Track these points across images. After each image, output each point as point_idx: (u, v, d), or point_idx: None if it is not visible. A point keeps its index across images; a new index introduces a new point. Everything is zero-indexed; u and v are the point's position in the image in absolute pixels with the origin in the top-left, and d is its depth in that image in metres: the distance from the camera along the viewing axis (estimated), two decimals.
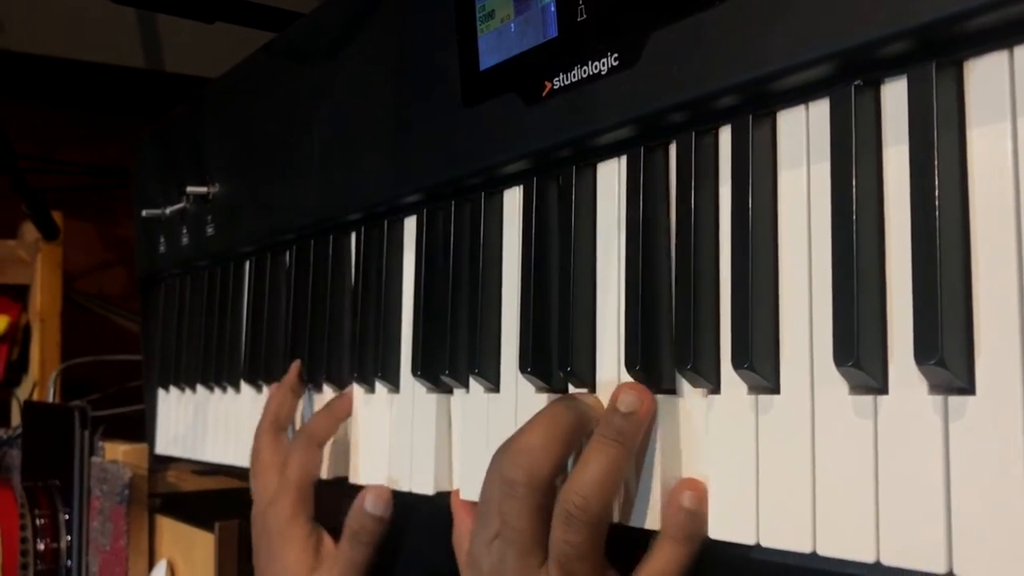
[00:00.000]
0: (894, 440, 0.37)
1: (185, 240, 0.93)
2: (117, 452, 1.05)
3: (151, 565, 1.05)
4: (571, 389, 0.52)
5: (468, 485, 0.59)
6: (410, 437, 0.64)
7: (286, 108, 0.77)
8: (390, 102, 0.65)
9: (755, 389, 0.43)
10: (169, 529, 1.03)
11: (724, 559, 0.46)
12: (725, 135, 0.45)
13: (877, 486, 0.38)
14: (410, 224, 0.67)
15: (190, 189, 0.88)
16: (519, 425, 0.54)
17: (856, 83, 0.39)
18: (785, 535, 0.41)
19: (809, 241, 0.41)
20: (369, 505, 0.64)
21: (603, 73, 0.48)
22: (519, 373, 0.55)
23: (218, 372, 0.89)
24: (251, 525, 0.71)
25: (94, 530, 1.08)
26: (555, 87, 0.51)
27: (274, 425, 0.72)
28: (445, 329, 0.60)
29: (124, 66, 1.67)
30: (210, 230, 0.88)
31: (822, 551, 0.39)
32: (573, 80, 0.50)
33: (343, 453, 0.71)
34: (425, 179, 0.62)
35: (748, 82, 0.42)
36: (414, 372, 0.63)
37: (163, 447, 1.01)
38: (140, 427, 1.11)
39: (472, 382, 0.59)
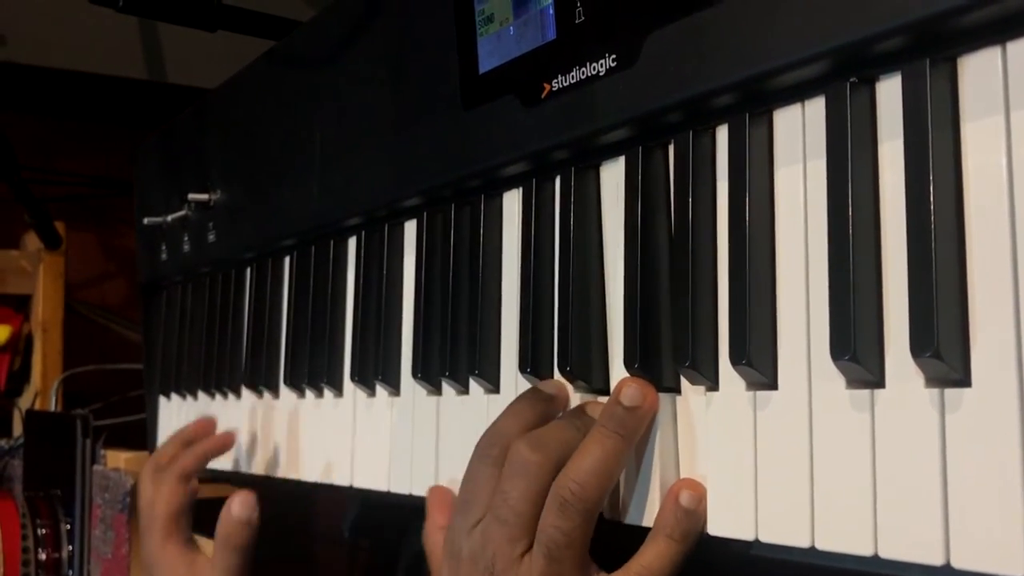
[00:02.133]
0: (891, 433, 0.38)
1: (187, 247, 0.94)
2: (119, 460, 1.05)
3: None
4: (571, 389, 0.52)
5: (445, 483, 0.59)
6: (410, 440, 0.64)
7: (286, 114, 0.77)
8: (390, 107, 0.65)
9: (753, 385, 0.43)
10: None
11: (722, 558, 0.46)
12: (722, 134, 0.46)
13: (875, 479, 0.38)
14: (410, 228, 0.67)
15: (192, 196, 0.88)
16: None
17: (851, 80, 0.40)
18: (784, 530, 0.41)
19: (806, 238, 0.42)
20: (236, 510, 0.68)
21: (601, 74, 0.49)
22: (519, 374, 0.56)
23: (219, 378, 0.89)
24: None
25: (96, 538, 1.08)
26: (554, 89, 0.52)
27: (152, 468, 0.79)
28: (445, 331, 0.60)
29: (126, 77, 1.68)
30: (211, 237, 0.89)
31: (820, 546, 0.40)
32: (572, 81, 0.50)
33: (342, 458, 0.71)
34: (425, 182, 0.62)
35: (744, 81, 0.43)
36: (414, 374, 0.63)
37: None
38: (142, 436, 1.11)
39: (472, 384, 0.59)
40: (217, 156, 0.88)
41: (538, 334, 0.54)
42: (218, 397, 0.90)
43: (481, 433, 0.58)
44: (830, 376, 0.40)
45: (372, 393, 0.69)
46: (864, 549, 0.38)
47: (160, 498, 0.75)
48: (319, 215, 0.73)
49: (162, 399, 1.02)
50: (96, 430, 1.12)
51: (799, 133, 0.43)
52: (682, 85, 0.45)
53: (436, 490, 0.59)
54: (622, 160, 0.51)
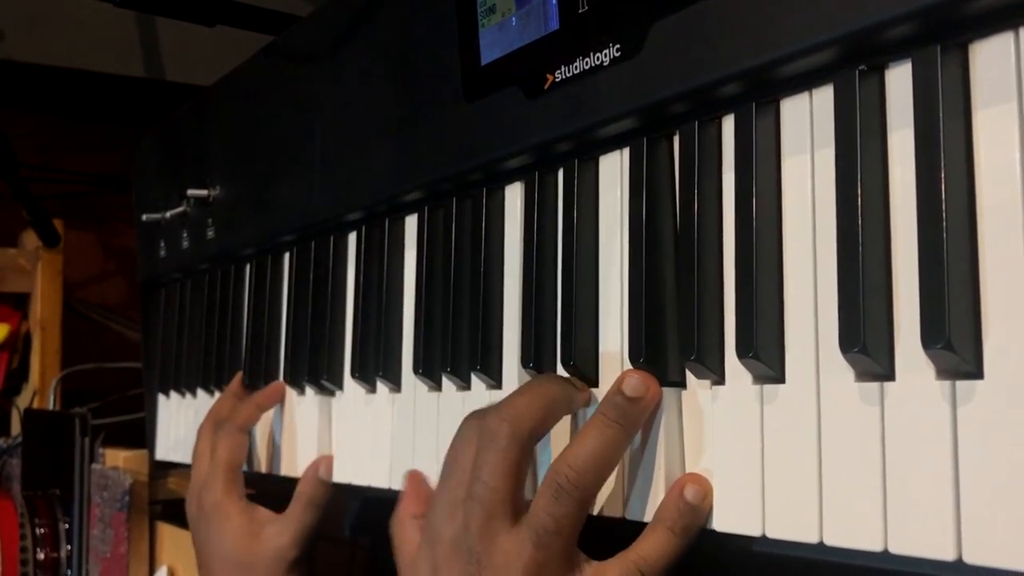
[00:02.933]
0: (901, 426, 0.37)
1: (186, 244, 0.93)
2: (118, 459, 1.04)
3: (152, 572, 1.04)
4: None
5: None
6: (412, 436, 0.63)
7: (286, 109, 0.77)
8: (390, 100, 0.64)
9: (760, 379, 0.42)
10: (170, 536, 1.02)
11: (726, 554, 0.46)
12: (728, 124, 0.45)
13: (884, 473, 0.37)
14: (411, 222, 0.66)
15: (191, 192, 0.88)
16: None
17: (860, 68, 0.39)
18: (791, 526, 0.40)
19: (814, 229, 0.41)
20: (323, 471, 0.69)
21: (605, 64, 0.48)
22: (521, 369, 0.55)
23: (219, 375, 0.88)
24: (186, 506, 0.76)
25: (94, 537, 1.07)
26: (557, 80, 0.51)
27: (212, 422, 0.78)
28: (447, 326, 0.60)
29: (124, 75, 1.67)
30: (210, 233, 0.88)
31: (829, 541, 0.39)
32: (575, 72, 0.50)
33: (343, 454, 0.70)
34: (426, 175, 0.61)
35: (751, 70, 0.42)
36: (415, 370, 0.62)
37: (164, 453, 1.01)
38: (140, 435, 1.10)
39: (474, 379, 0.59)
40: (216, 152, 0.88)
41: (540, 328, 0.53)
42: (217, 395, 0.90)
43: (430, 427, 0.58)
44: (839, 369, 0.39)
45: (373, 389, 0.68)
46: (874, 544, 0.37)
47: (223, 448, 0.74)
48: (319, 210, 0.72)
49: (161, 397, 1.01)
50: (95, 429, 1.11)
51: (807, 122, 0.42)
52: (687, 75, 0.44)
53: (414, 475, 0.58)
54: (626, 151, 0.50)
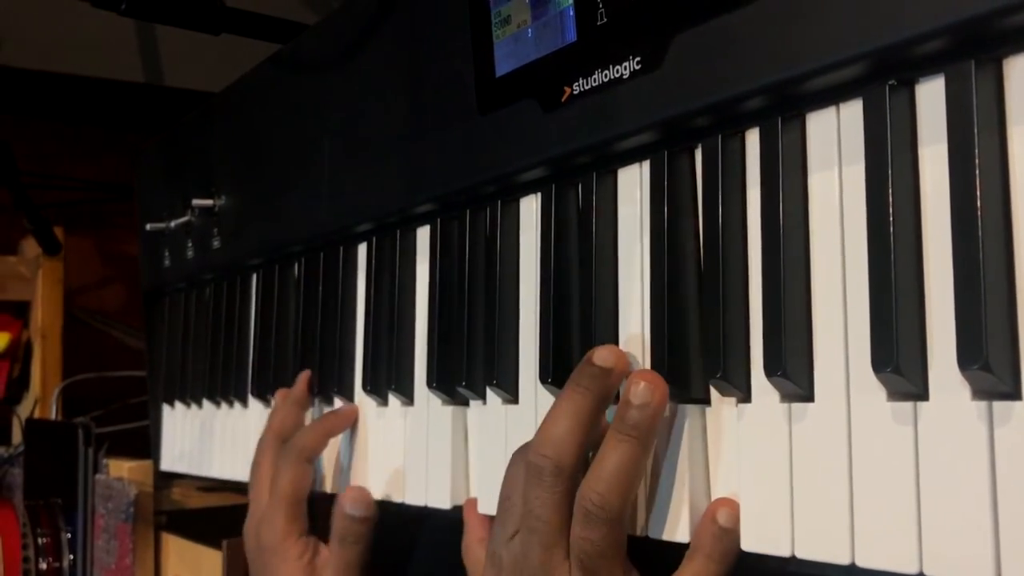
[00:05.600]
0: (936, 447, 0.37)
1: (190, 253, 0.92)
2: (122, 469, 1.03)
3: None
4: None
5: (485, 497, 0.57)
6: (425, 450, 0.63)
7: (294, 118, 0.76)
8: (402, 111, 0.64)
9: (788, 397, 0.42)
10: (175, 547, 1.01)
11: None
12: (752, 138, 0.44)
13: (918, 495, 0.37)
14: (423, 234, 0.66)
15: (196, 202, 0.87)
16: None
17: (890, 83, 0.38)
18: (822, 546, 0.40)
19: (842, 244, 0.41)
20: (348, 507, 0.65)
21: (625, 77, 0.48)
22: (538, 384, 0.54)
23: (225, 387, 0.88)
24: (244, 537, 0.71)
25: (99, 548, 1.06)
26: (575, 92, 0.50)
27: (277, 438, 0.72)
28: (461, 340, 0.59)
29: (124, 81, 1.66)
30: (216, 243, 0.87)
31: (861, 563, 0.38)
32: (594, 85, 0.49)
33: (355, 468, 0.69)
34: (439, 188, 0.61)
35: (777, 84, 0.42)
36: (429, 384, 0.62)
37: (168, 463, 1.00)
38: (143, 444, 1.10)
39: (489, 393, 0.58)
40: (222, 161, 0.87)
41: (559, 342, 0.52)
42: (224, 406, 0.89)
43: (498, 443, 0.57)
44: (870, 388, 0.39)
45: (384, 403, 0.68)
46: (908, 567, 0.37)
47: (285, 480, 0.68)
48: (328, 221, 0.71)
49: (166, 407, 1.01)
50: (98, 439, 1.10)
51: (834, 137, 0.41)
52: (711, 89, 0.44)
53: (472, 502, 0.58)
54: (646, 165, 0.50)
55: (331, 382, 0.72)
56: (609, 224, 0.51)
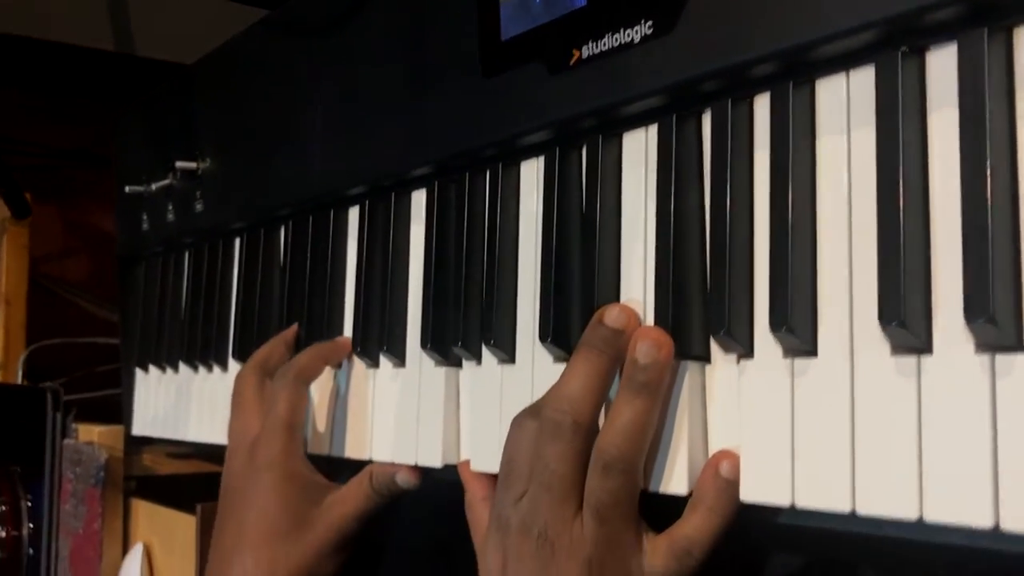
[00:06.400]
0: (939, 399, 0.38)
1: (171, 217, 0.92)
2: (92, 433, 1.03)
3: (125, 548, 1.02)
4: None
5: (479, 456, 0.58)
6: (416, 411, 0.63)
7: (286, 81, 0.76)
8: (400, 74, 0.64)
9: (791, 352, 0.43)
10: (145, 512, 1.01)
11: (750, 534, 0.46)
12: (761, 103, 0.46)
13: (920, 445, 0.38)
14: (418, 197, 0.66)
15: (179, 164, 0.87)
16: (536, 395, 0.54)
17: (902, 50, 0.40)
18: (822, 495, 0.41)
19: (849, 204, 0.42)
20: (401, 480, 0.64)
21: (636, 41, 0.49)
22: (535, 343, 0.55)
23: (204, 350, 0.87)
24: (228, 461, 0.69)
25: (65, 513, 1.05)
26: (584, 56, 0.51)
27: (260, 368, 0.71)
28: (458, 301, 0.60)
29: (94, 48, 1.64)
30: (199, 206, 0.87)
31: (861, 510, 0.40)
32: (603, 48, 0.50)
33: (346, 429, 0.70)
34: (439, 151, 0.61)
35: (789, 50, 0.43)
36: (423, 345, 0.62)
37: (141, 428, 0.99)
38: (109, 412, 1.09)
39: (485, 354, 0.59)
40: (208, 124, 0.87)
41: (560, 302, 0.53)
42: (202, 370, 0.89)
43: (493, 403, 0.58)
44: (874, 342, 0.40)
45: (375, 364, 0.68)
46: (909, 512, 0.38)
47: (283, 401, 0.66)
48: (320, 184, 0.72)
49: (139, 372, 1.00)
50: (66, 405, 1.09)
51: (843, 102, 0.43)
52: (723, 54, 0.45)
53: (467, 463, 0.59)
54: (646, 129, 0.51)
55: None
56: (613, 186, 0.52)
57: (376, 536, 0.69)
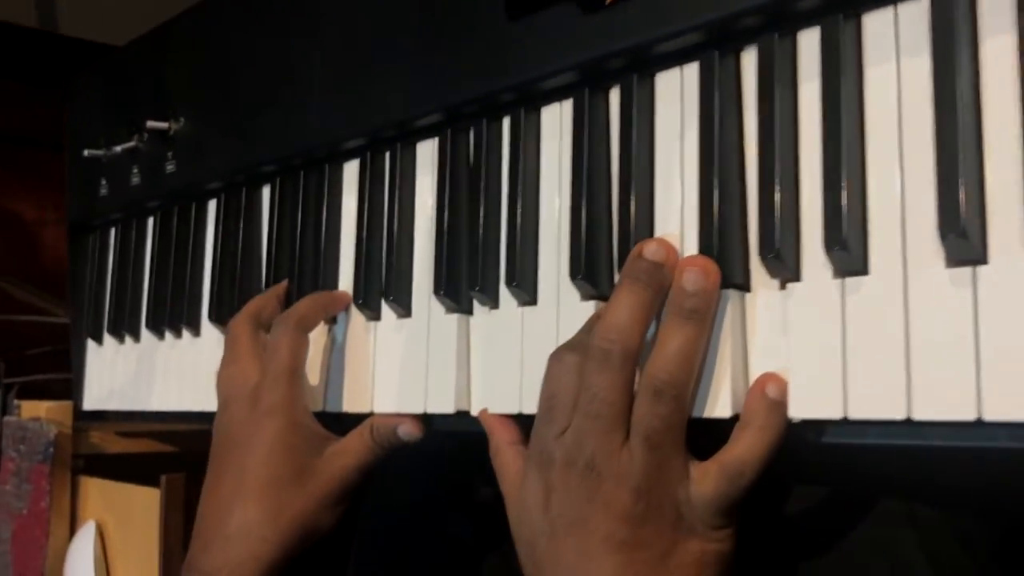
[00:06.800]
0: (995, 306, 0.40)
1: (135, 180, 0.89)
2: (39, 410, 0.99)
3: (73, 527, 0.99)
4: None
5: (497, 400, 0.58)
6: (425, 359, 0.63)
7: (277, 28, 0.75)
8: (406, 16, 0.64)
9: (842, 272, 0.45)
10: (98, 489, 0.98)
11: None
12: (806, 38, 0.48)
13: (977, 349, 0.40)
14: (425, 147, 0.66)
15: (151, 124, 0.84)
16: (561, 335, 0.55)
17: None
18: (877, 405, 0.43)
19: (899, 127, 0.44)
20: (403, 432, 0.64)
21: None
22: (559, 285, 0.56)
23: (173, 316, 0.85)
24: (220, 416, 0.67)
25: (7, 493, 1.01)
26: None
27: (254, 318, 0.70)
28: (476, 248, 0.60)
29: (12, 23, 1.59)
30: (171, 167, 0.85)
31: (918, 416, 0.42)
32: None
33: (343, 383, 0.69)
34: (455, 96, 0.62)
35: None
36: (436, 292, 0.62)
37: (93, 403, 0.96)
38: (45, 394, 1.05)
39: (503, 298, 0.59)
40: (184, 81, 0.85)
41: (592, 239, 0.54)
42: (169, 336, 0.86)
43: (512, 347, 0.58)
44: (927, 256, 0.42)
45: (376, 316, 0.68)
46: (967, 414, 0.40)
47: (285, 347, 0.65)
48: (315, 137, 0.71)
49: (91, 344, 0.97)
50: (6, 385, 1.05)
51: (891, 34, 0.45)
52: None
53: (485, 410, 0.59)
54: (681, 69, 0.52)
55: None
56: (647, 124, 0.53)
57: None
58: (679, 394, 0.47)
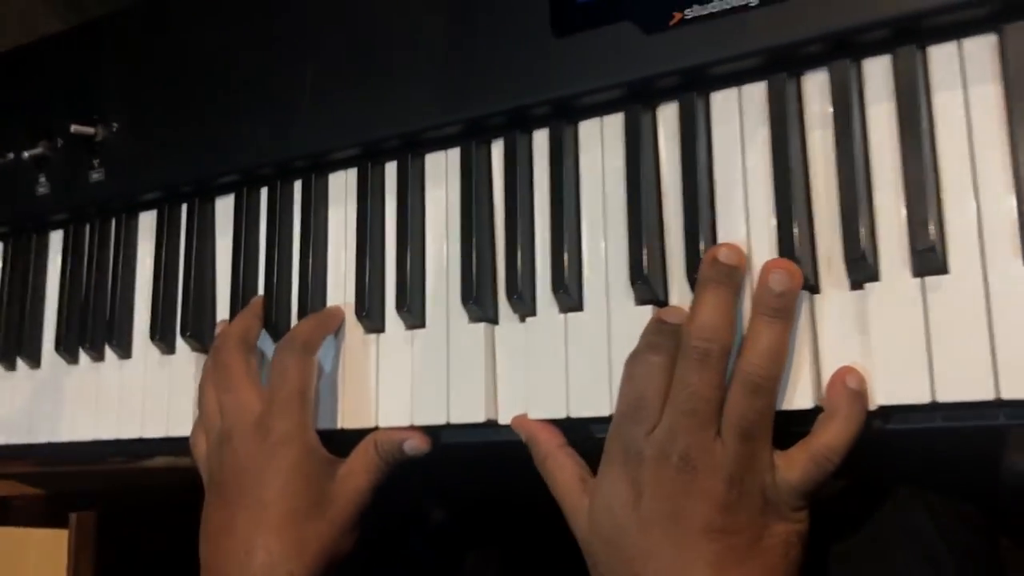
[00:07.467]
0: None
1: (42, 191, 0.82)
2: None
3: None
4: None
5: (539, 406, 0.59)
6: (445, 369, 0.63)
7: (259, 30, 0.72)
8: (427, 25, 0.65)
9: (923, 272, 0.50)
10: None
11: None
12: (875, 65, 0.53)
13: None
14: (436, 159, 0.66)
15: (75, 128, 0.78)
16: (613, 339, 0.57)
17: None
18: (963, 388, 0.48)
19: (970, 141, 0.50)
20: (409, 448, 0.63)
21: (752, 5, 0.54)
22: (608, 291, 0.58)
23: (96, 337, 0.78)
24: (220, 449, 0.64)
25: None
26: (687, 17, 0.56)
27: (243, 343, 0.67)
28: (515, 257, 0.61)
29: None
30: (96, 176, 0.78)
31: (1006, 395, 0.47)
32: (712, 11, 0.55)
33: (339, 399, 0.67)
34: (480, 108, 0.62)
35: (903, 17, 0.51)
36: (465, 301, 0.62)
37: None
38: None
39: (540, 305, 0.61)
40: (117, 84, 0.79)
41: (652, 246, 0.57)
42: (84, 360, 0.79)
43: (556, 354, 0.59)
44: (1005, 253, 0.48)
45: (378, 329, 0.66)
46: None
47: (294, 371, 0.63)
48: (310, 143, 0.69)
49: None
50: None
51: (957, 65, 0.51)
52: (835, 18, 0.52)
53: (523, 417, 0.59)
54: (738, 88, 0.56)
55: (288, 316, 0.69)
56: (705, 138, 0.57)
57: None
58: (772, 388, 0.51)
